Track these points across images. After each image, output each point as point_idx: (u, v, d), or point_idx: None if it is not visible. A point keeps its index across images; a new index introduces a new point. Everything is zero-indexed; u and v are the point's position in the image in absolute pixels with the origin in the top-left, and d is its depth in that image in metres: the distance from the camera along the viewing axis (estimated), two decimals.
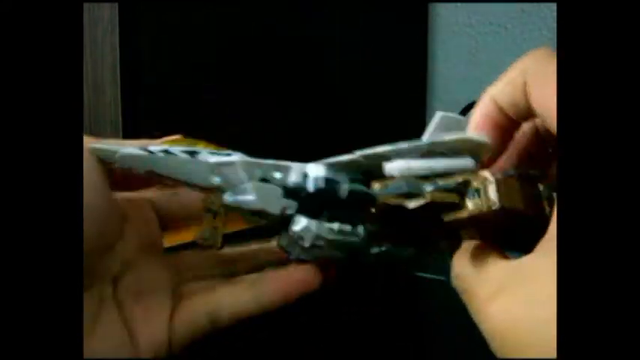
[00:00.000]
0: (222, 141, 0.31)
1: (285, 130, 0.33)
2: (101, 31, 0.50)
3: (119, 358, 0.26)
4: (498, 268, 0.21)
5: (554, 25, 0.81)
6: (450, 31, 0.88)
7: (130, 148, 0.26)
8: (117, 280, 0.28)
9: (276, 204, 0.26)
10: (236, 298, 0.27)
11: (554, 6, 0.81)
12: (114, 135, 0.50)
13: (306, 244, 0.26)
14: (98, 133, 0.51)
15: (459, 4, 0.87)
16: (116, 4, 0.49)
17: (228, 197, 0.26)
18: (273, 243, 0.28)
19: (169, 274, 0.29)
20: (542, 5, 0.82)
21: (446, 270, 0.26)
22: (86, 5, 0.49)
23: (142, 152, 0.26)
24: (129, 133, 0.50)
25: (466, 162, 0.26)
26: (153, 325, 0.27)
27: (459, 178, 0.25)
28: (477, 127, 0.25)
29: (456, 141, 0.25)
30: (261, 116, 0.60)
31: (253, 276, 0.28)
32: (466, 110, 0.74)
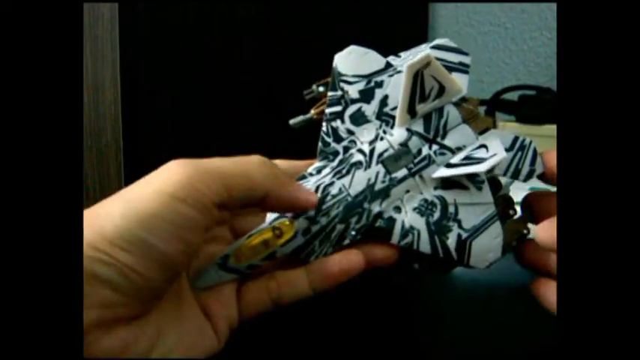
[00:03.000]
0: (223, 141, 0.31)
1: (285, 130, 0.33)
2: (101, 31, 0.50)
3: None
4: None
5: (554, 25, 0.81)
6: (450, 31, 0.88)
7: None
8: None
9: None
10: (294, 284, 0.30)
11: (554, 6, 0.81)
12: (114, 135, 0.50)
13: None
14: (98, 133, 0.51)
15: (459, 4, 0.87)
16: (116, 4, 0.49)
17: None
18: None
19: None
20: (542, 5, 0.82)
21: None
22: (86, 4, 0.49)
23: None
24: (129, 133, 0.50)
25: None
26: (225, 306, 0.30)
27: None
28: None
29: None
30: (262, 116, 0.60)
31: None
32: None
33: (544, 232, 0.28)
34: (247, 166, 0.28)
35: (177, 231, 0.25)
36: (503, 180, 0.32)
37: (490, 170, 0.30)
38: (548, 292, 0.29)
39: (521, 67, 0.84)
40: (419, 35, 0.87)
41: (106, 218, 0.25)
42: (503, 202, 0.31)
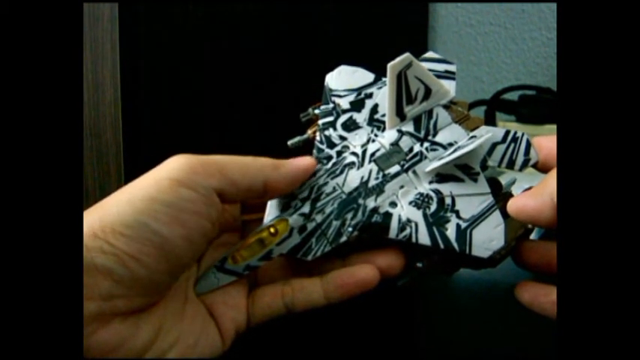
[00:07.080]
0: (223, 141, 0.31)
1: (284, 130, 0.33)
2: (101, 31, 0.50)
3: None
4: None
5: (554, 25, 0.81)
6: (450, 31, 0.88)
7: None
8: (201, 259, 0.31)
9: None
10: (309, 292, 0.30)
11: (554, 6, 0.81)
12: (114, 135, 0.50)
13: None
14: (98, 133, 0.51)
15: (459, 4, 0.87)
16: (116, 4, 0.49)
17: None
18: None
19: None
20: (542, 5, 0.82)
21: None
22: (86, 4, 0.49)
23: None
24: (129, 133, 0.50)
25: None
26: (233, 308, 0.30)
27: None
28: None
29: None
30: (262, 116, 0.60)
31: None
32: None
33: (512, 201, 0.28)
34: (243, 157, 0.29)
35: (177, 214, 0.26)
36: (504, 181, 0.33)
37: (484, 166, 0.31)
38: (526, 294, 0.29)
39: (521, 67, 0.84)
40: (419, 35, 0.87)
41: (108, 207, 0.25)
42: (505, 200, 0.31)
